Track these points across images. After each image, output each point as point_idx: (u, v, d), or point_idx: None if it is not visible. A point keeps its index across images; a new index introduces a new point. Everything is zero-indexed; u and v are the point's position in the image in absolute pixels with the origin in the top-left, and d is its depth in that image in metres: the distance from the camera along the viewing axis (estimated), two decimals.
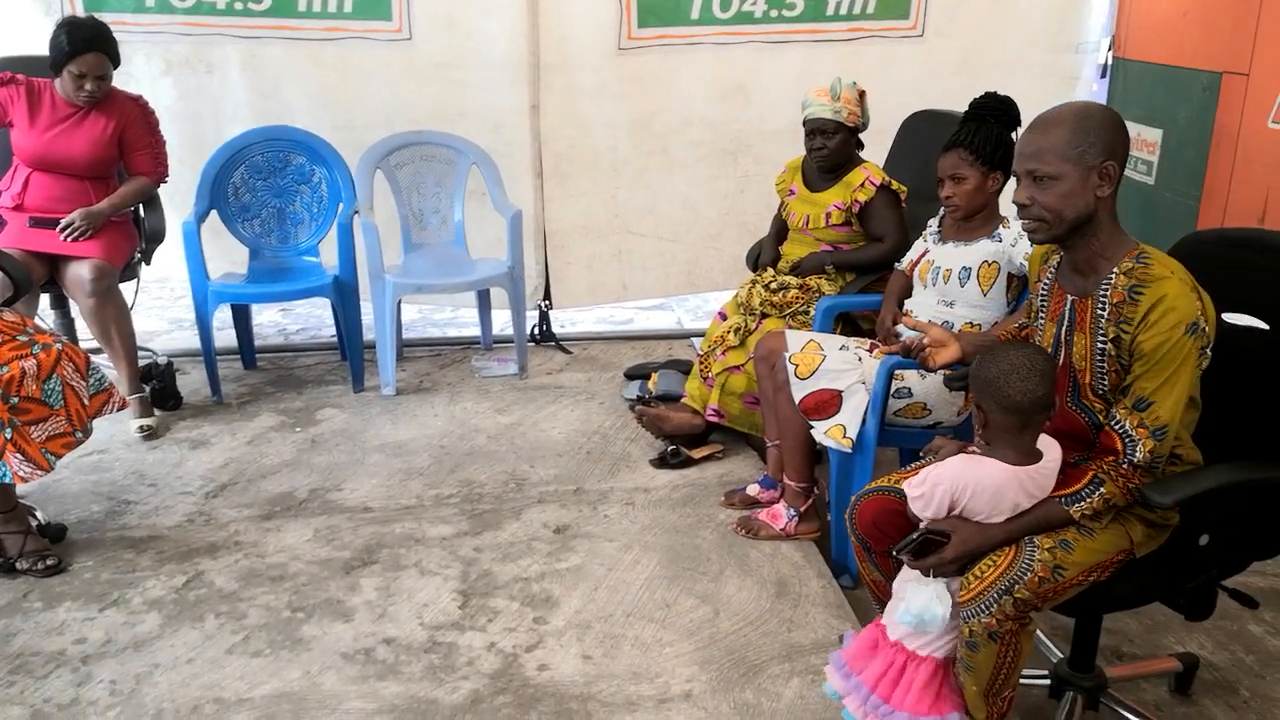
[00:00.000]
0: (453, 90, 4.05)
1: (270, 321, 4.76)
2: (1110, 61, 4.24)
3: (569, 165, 4.23)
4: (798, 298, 3.11)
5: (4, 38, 3.75)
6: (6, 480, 2.44)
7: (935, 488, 1.82)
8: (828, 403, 2.56)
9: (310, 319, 4.81)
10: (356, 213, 3.74)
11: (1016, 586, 1.72)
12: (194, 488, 3.09)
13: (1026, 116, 2.54)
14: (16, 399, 2.46)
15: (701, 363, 3.26)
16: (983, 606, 1.72)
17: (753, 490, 2.98)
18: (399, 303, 3.82)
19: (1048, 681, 2.17)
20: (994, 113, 2.53)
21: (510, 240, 3.81)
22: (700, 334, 4.05)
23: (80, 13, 3.78)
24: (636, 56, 4.10)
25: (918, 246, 2.78)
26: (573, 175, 4.25)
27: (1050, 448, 1.84)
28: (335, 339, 4.19)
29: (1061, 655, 2.19)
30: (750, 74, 4.19)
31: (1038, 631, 2.31)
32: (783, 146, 3.57)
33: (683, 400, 3.32)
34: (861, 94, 3.09)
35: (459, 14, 3.96)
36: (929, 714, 1.83)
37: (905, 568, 1.89)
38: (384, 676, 2.25)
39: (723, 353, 3.16)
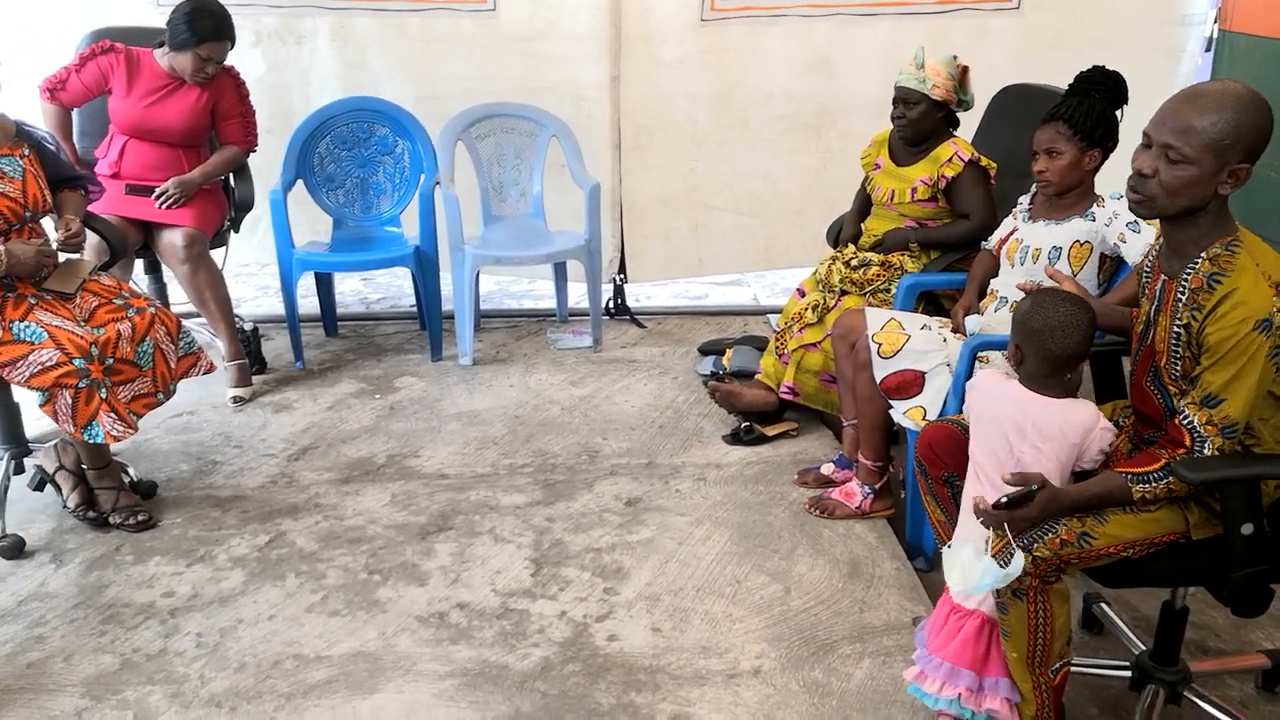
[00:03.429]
0: (535, 62, 4.05)
1: (352, 290, 4.85)
2: (1215, 35, 4.05)
3: (648, 138, 4.21)
4: (879, 275, 3.05)
5: (103, 9, 3.85)
6: (100, 440, 2.53)
7: (970, 389, 2.03)
8: (910, 383, 2.51)
9: (391, 288, 4.89)
10: (438, 184, 3.78)
11: (1036, 545, 1.75)
12: (277, 450, 3.17)
13: (1131, 94, 2.48)
14: (111, 360, 2.55)
15: (778, 339, 3.22)
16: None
17: (827, 469, 2.95)
18: (477, 274, 3.85)
19: (1129, 674, 2.11)
20: (1100, 87, 2.44)
21: (588, 213, 3.81)
22: (777, 310, 4.00)
23: None
24: (719, 28, 4.05)
25: (1006, 224, 2.70)
26: (652, 148, 4.23)
27: (1082, 410, 1.87)
28: (415, 308, 4.25)
29: (1145, 647, 2.13)
30: (836, 47, 4.10)
31: (1119, 622, 2.26)
32: (868, 121, 3.49)
33: (757, 377, 3.29)
34: (963, 71, 3.00)
35: None
36: (970, 668, 1.90)
37: (958, 528, 1.95)
38: (456, 640, 2.29)
39: (800, 330, 3.12)
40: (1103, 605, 2.35)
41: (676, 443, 3.23)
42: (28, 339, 2.46)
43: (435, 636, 2.30)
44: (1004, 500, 1.76)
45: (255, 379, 3.62)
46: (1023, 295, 2.07)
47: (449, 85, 4.06)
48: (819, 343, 3.05)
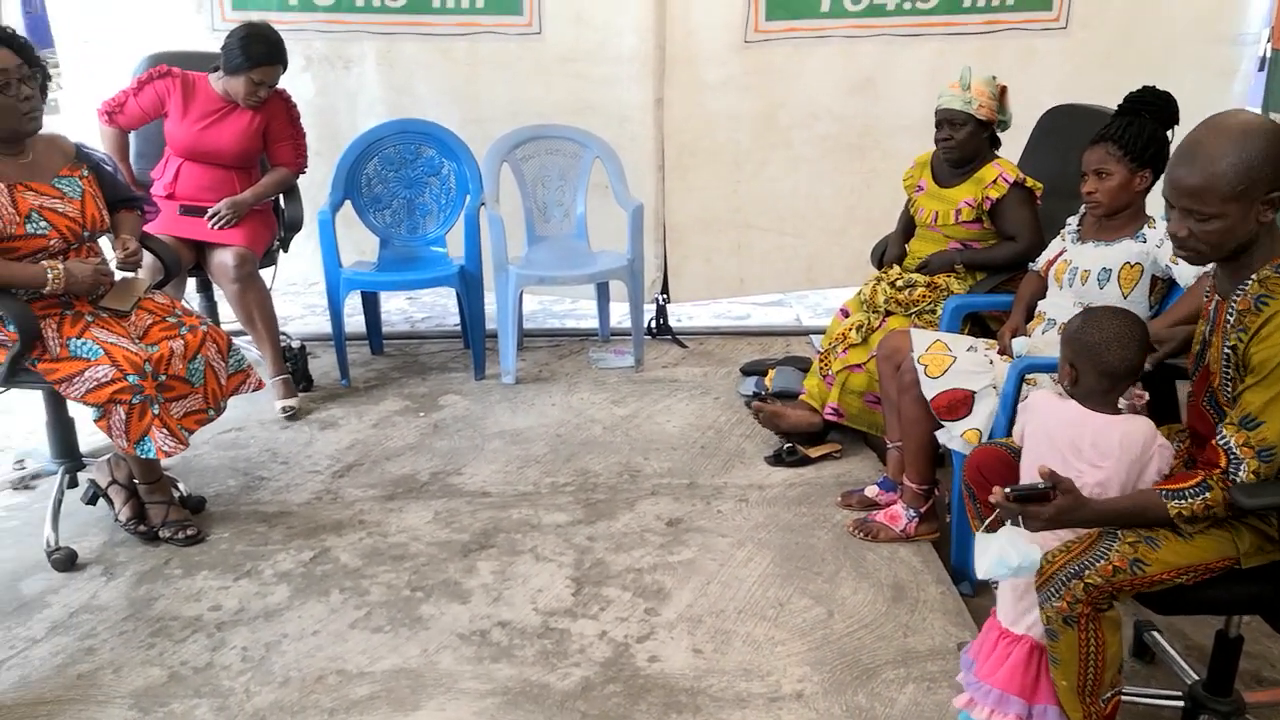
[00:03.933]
0: (579, 84, 4.09)
1: (397, 309, 4.90)
2: (1269, 54, 3.99)
3: (691, 159, 4.23)
4: (925, 296, 3.03)
5: (159, 34, 3.96)
6: (151, 455, 2.58)
7: (1025, 409, 2.00)
8: (960, 402, 2.48)
9: (435, 307, 4.94)
10: (483, 204, 3.82)
11: (1088, 571, 1.72)
12: (322, 467, 3.20)
13: (1182, 114, 2.44)
14: (164, 377, 2.60)
15: (822, 360, 3.21)
16: (1053, 590, 1.74)
17: (871, 491, 2.92)
18: (521, 293, 3.88)
19: (1182, 704, 2.06)
20: (1150, 107, 2.42)
21: (631, 233, 3.83)
22: (819, 331, 3.99)
23: (229, 12, 3.98)
24: (763, 49, 4.06)
25: (1054, 245, 2.67)
26: (694, 169, 4.24)
27: (1141, 425, 1.85)
28: (459, 327, 4.29)
29: (1197, 677, 2.08)
30: (880, 68, 4.10)
31: (1171, 650, 2.21)
32: (912, 141, 3.48)
33: (801, 398, 3.27)
34: (1002, 90, 2.99)
35: (588, 8, 3.99)
36: (1019, 694, 1.88)
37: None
38: (498, 659, 2.29)
39: (844, 350, 3.11)
40: (1154, 633, 2.30)
41: (718, 463, 3.22)
42: (84, 355, 2.52)
43: (477, 654, 2.30)
44: (1014, 492, 1.74)
45: (302, 396, 3.67)
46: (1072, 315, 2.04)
47: (494, 107, 4.11)
48: (864, 364, 3.04)
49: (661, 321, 4.40)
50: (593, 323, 4.40)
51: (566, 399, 3.72)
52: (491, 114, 4.10)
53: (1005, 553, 1.76)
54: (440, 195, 4.05)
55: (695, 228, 4.34)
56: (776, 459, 3.19)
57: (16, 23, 4.21)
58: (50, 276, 2.52)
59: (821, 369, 3.19)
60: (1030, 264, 2.79)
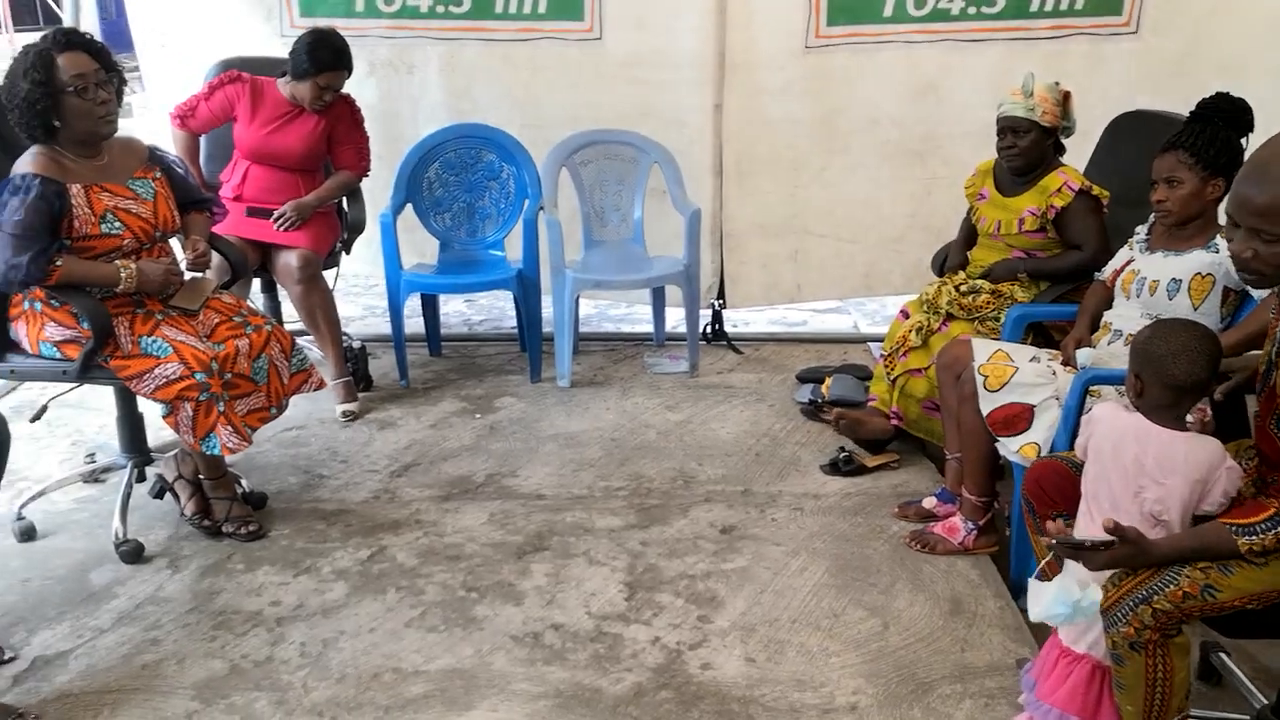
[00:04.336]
0: (638, 89, 4.10)
1: (455, 311, 4.96)
2: None
3: (749, 164, 4.21)
4: (988, 303, 2.98)
5: (231, 40, 4.05)
6: (216, 452, 2.63)
7: (1090, 422, 1.94)
8: (1018, 417, 2.44)
9: (493, 310, 4.98)
10: (541, 209, 3.85)
11: (1156, 597, 1.67)
12: (380, 466, 3.25)
13: (1258, 122, 2.38)
14: (229, 375, 2.65)
15: (886, 363, 3.17)
16: (1120, 615, 1.69)
17: (928, 503, 2.88)
18: (577, 297, 3.90)
19: None
20: (1223, 114, 2.35)
21: (688, 238, 3.83)
22: (877, 339, 3.95)
23: (298, 19, 4.06)
24: (824, 55, 4.03)
25: (1121, 255, 2.61)
26: (752, 174, 4.23)
27: (1208, 446, 1.80)
28: (515, 330, 4.32)
29: (1266, 701, 2.02)
30: (943, 73, 4.05)
31: (1239, 673, 2.15)
32: (974, 149, 3.43)
33: (871, 404, 3.25)
34: (1065, 95, 2.93)
35: (649, 14, 4.00)
36: (1080, 715, 1.85)
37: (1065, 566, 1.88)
38: (550, 661, 2.30)
39: (904, 354, 3.07)
40: (1222, 654, 2.23)
41: (773, 471, 3.20)
42: (154, 353, 2.58)
43: (529, 656, 2.32)
44: (1079, 542, 1.71)
45: (361, 396, 3.72)
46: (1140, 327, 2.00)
47: (553, 112, 4.14)
48: (924, 369, 3.00)
49: (717, 327, 4.39)
50: (648, 327, 4.41)
51: (621, 403, 3.73)
52: (551, 119, 4.12)
53: (1061, 595, 1.73)
54: (499, 199, 4.08)
55: (753, 233, 4.32)
56: (833, 468, 3.16)
57: (93, 28, 4.34)
58: (123, 275, 2.59)
59: (886, 372, 3.16)
60: (1096, 274, 2.74)
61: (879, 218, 4.30)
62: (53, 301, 2.61)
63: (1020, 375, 2.48)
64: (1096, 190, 2.91)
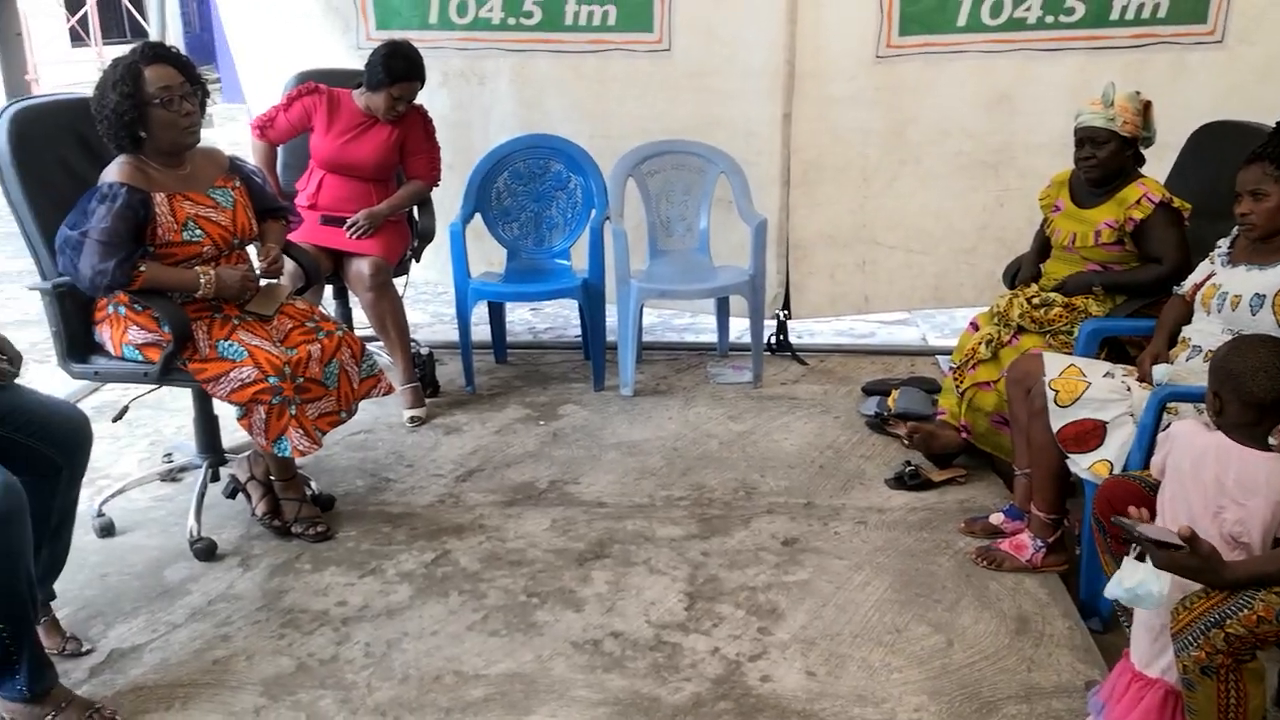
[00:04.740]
0: (707, 99, 4.11)
1: (521, 319, 5.01)
2: None
3: (817, 174, 4.19)
4: (1061, 316, 2.91)
5: (309, 53, 4.16)
6: (287, 454, 2.70)
7: (1167, 439, 1.91)
8: (1089, 434, 2.38)
9: (558, 318, 5.02)
10: (607, 218, 3.87)
11: (1229, 621, 1.62)
12: (445, 471, 3.29)
13: None
14: (301, 379, 2.72)
15: (955, 376, 3.12)
16: (1191, 639, 1.64)
17: (996, 519, 2.83)
18: (641, 306, 3.91)
19: None
20: None
21: (754, 248, 3.82)
22: (946, 351, 3.89)
23: (373, 32, 4.15)
24: (895, 64, 3.99)
25: (1202, 269, 2.54)
26: (820, 184, 4.20)
27: None
28: (580, 339, 4.35)
29: None
30: (1018, 83, 3.97)
31: None
32: (1049, 160, 3.36)
33: (940, 418, 3.20)
34: (1146, 105, 2.86)
35: (718, 24, 4.01)
36: None
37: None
38: (610, 669, 2.30)
39: (973, 366, 3.02)
40: None
41: (837, 484, 3.17)
42: (230, 357, 2.66)
43: (589, 663, 2.32)
44: (1143, 534, 1.66)
45: (428, 401, 3.78)
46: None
47: (622, 123, 4.16)
48: (994, 382, 2.95)
49: (782, 338, 4.36)
50: (711, 337, 4.40)
51: (684, 413, 3.73)
52: (619, 129, 4.15)
53: (1146, 579, 1.68)
54: (567, 209, 4.12)
55: (819, 243, 4.30)
56: (898, 481, 3.12)
57: (177, 41, 4.49)
58: (203, 281, 2.67)
59: (955, 385, 3.11)
60: (1175, 288, 2.66)
61: (950, 229, 4.23)
62: (136, 306, 2.70)
63: (1093, 390, 2.42)
64: (1177, 203, 2.83)
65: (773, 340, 4.34)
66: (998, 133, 4.06)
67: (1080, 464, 2.40)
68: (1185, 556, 1.63)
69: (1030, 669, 2.28)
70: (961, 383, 3.07)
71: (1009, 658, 2.32)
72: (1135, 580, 1.70)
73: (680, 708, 2.17)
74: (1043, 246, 3.16)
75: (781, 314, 4.36)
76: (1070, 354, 2.75)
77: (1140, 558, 1.71)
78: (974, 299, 4.21)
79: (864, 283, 4.36)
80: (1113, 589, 1.75)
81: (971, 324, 3.18)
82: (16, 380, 2.24)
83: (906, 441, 3.29)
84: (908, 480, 3.10)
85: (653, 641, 2.40)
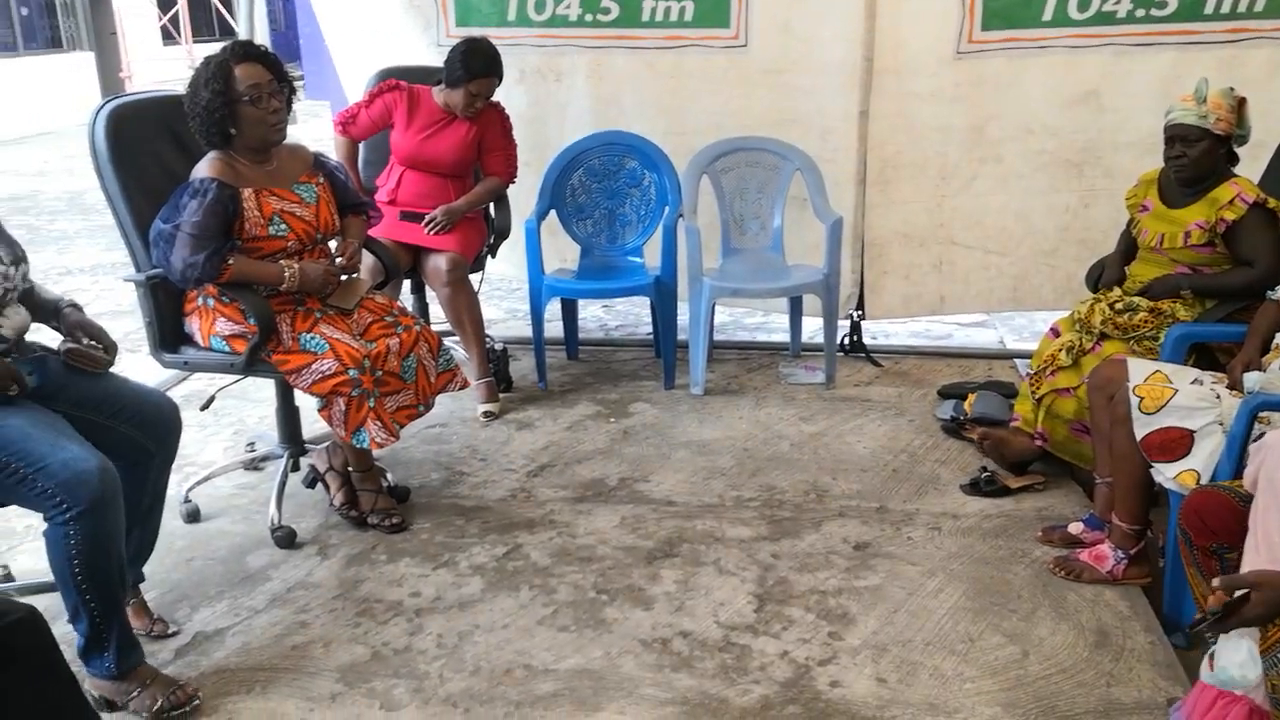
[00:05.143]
0: (783, 96, 4.08)
1: (592, 316, 5.03)
2: None
3: (894, 172, 4.13)
4: (1146, 321, 2.83)
5: (391, 50, 4.23)
6: (365, 445, 2.75)
7: (1261, 449, 1.81)
8: (1176, 442, 2.31)
9: (629, 316, 5.04)
10: (681, 216, 3.87)
11: None
12: (517, 466, 3.33)
13: None
14: (380, 373, 2.77)
15: (1032, 382, 3.05)
16: None
17: (1075, 528, 2.76)
18: (713, 305, 3.90)
19: None
20: None
21: (828, 247, 3.78)
22: (1025, 355, 3.81)
23: (453, 29, 4.20)
24: (977, 60, 3.91)
25: None
26: (897, 182, 4.14)
27: None
28: (651, 336, 4.36)
29: None
30: (1106, 79, 3.86)
31: None
32: (1137, 159, 3.26)
33: (1014, 424, 3.13)
34: (1240, 102, 2.76)
35: (796, 20, 3.98)
36: None
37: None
38: (678, 668, 2.31)
39: (1052, 373, 2.95)
40: None
41: (910, 488, 3.12)
42: (312, 349, 2.72)
43: (657, 662, 2.33)
44: (1210, 614, 1.59)
45: (501, 396, 3.82)
46: None
47: (697, 119, 4.15)
48: (1074, 389, 2.87)
49: (855, 338, 4.31)
50: (784, 337, 4.37)
51: (754, 413, 3.71)
52: (694, 126, 4.14)
53: (1245, 663, 1.63)
54: (640, 206, 4.13)
55: (895, 243, 4.24)
56: (973, 487, 3.06)
57: (263, 40, 4.60)
58: (287, 275, 2.74)
59: (1032, 391, 3.04)
60: (1269, 293, 2.57)
61: (1030, 230, 4.14)
62: (223, 298, 2.78)
63: (1180, 398, 2.35)
64: (1272, 203, 2.73)
65: (846, 341, 4.29)
66: (1084, 131, 3.96)
67: (1165, 473, 2.33)
68: (1266, 597, 1.57)
69: (1109, 684, 2.22)
70: (1039, 389, 3.00)
71: (1087, 671, 2.26)
72: (1231, 663, 1.64)
73: (748, 710, 2.17)
74: (1128, 248, 3.07)
75: (855, 314, 4.31)
76: (1156, 360, 2.67)
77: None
78: (1054, 302, 4.11)
79: (940, 283, 4.29)
80: (1206, 675, 1.68)
81: (1052, 329, 3.11)
82: (111, 369, 2.33)
83: (978, 448, 3.23)
84: (984, 486, 3.05)
85: (721, 642, 2.40)
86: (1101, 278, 3.10)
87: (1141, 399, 2.39)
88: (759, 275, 3.97)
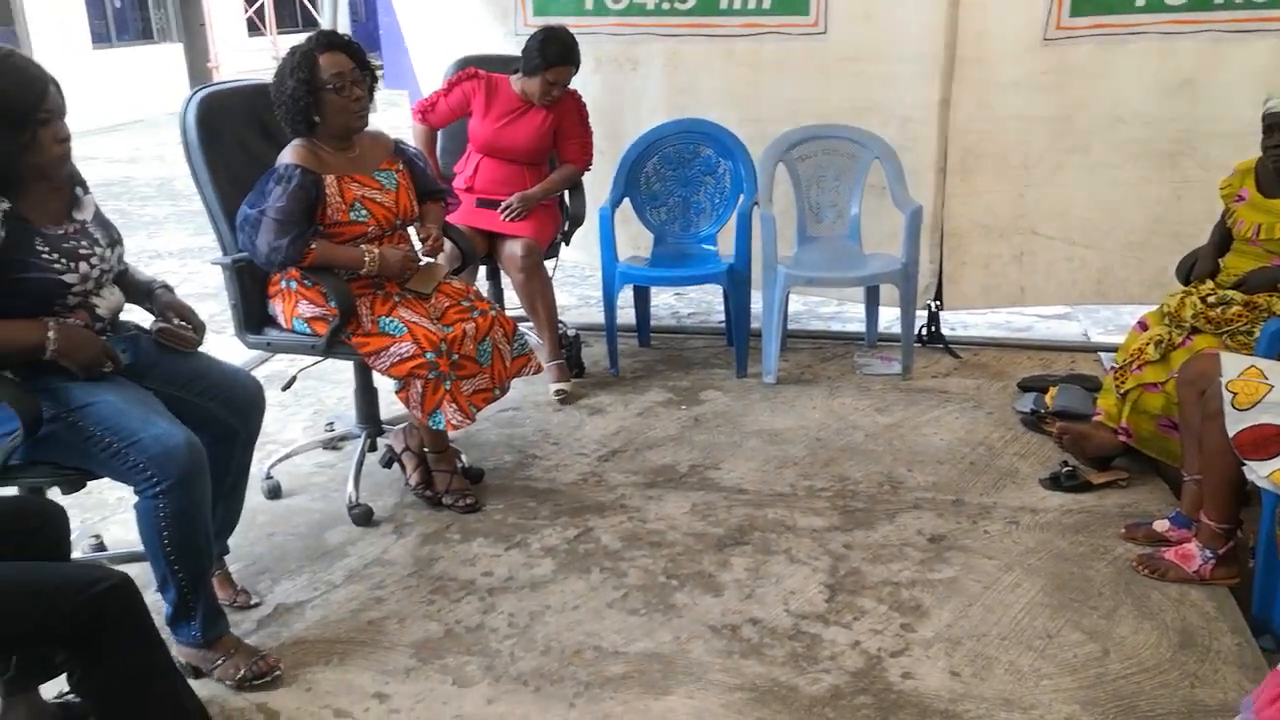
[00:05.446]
0: (861, 84, 4.02)
1: (664, 304, 5.03)
2: None
3: (975, 161, 4.05)
4: (1241, 315, 2.73)
5: (469, 39, 4.28)
6: (441, 427, 2.80)
7: None
8: (1270, 440, 2.22)
9: (701, 303, 5.03)
10: (755, 204, 3.85)
11: None
12: (589, 450, 3.35)
13: None
14: (456, 356, 2.81)
15: (1117, 376, 2.97)
16: None
17: (1160, 526, 2.68)
18: (788, 293, 3.87)
19: None
20: None
21: (907, 237, 3.72)
22: (1110, 349, 3.71)
23: (530, 18, 4.23)
24: (1065, 47, 3.81)
25: None
26: (978, 172, 4.06)
27: None
28: (723, 324, 4.34)
29: None
30: (1202, 67, 3.72)
31: None
32: (1235, 150, 3.12)
33: (1096, 419, 3.05)
34: None
35: (876, 7, 3.92)
36: None
37: None
38: (747, 655, 2.30)
39: (1139, 367, 2.87)
40: None
41: (988, 481, 3.06)
42: (391, 332, 2.77)
43: (727, 648, 2.33)
44: None
45: (573, 382, 3.84)
46: None
47: (773, 107, 4.12)
48: (1162, 384, 2.79)
49: (933, 329, 4.24)
50: (859, 326, 4.32)
51: (828, 402, 3.68)
52: (770, 114, 4.11)
53: None
54: (715, 194, 4.11)
55: (975, 233, 4.15)
56: (1053, 482, 2.99)
57: (344, 30, 4.69)
58: (367, 260, 2.79)
59: (1117, 385, 2.96)
60: None
61: (1118, 221, 4.02)
62: (306, 281, 2.84)
63: (1275, 394, 2.26)
64: None
65: (923, 331, 4.22)
66: (1178, 120, 3.83)
67: (1259, 472, 2.25)
68: None
69: (1194, 685, 2.15)
70: (1124, 383, 2.92)
71: (1170, 672, 2.20)
72: None
73: (818, 699, 2.15)
74: (1223, 239, 2.96)
75: (933, 304, 4.24)
76: (1250, 355, 2.57)
77: None
78: (1141, 296, 3.99)
79: (1020, 274, 4.19)
80: None
81: (1139, 323, 3.02)
82: (200, 348, 2.40)
83: (1057, 442, 3.15)
84: (1064, 481, 2.97)
85: (791, 631, 2.38)
86: (1194, 270, 3.00)
87: (1235, 394, 2.31)
88: (835, 264, 3.93)
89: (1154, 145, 3.88)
